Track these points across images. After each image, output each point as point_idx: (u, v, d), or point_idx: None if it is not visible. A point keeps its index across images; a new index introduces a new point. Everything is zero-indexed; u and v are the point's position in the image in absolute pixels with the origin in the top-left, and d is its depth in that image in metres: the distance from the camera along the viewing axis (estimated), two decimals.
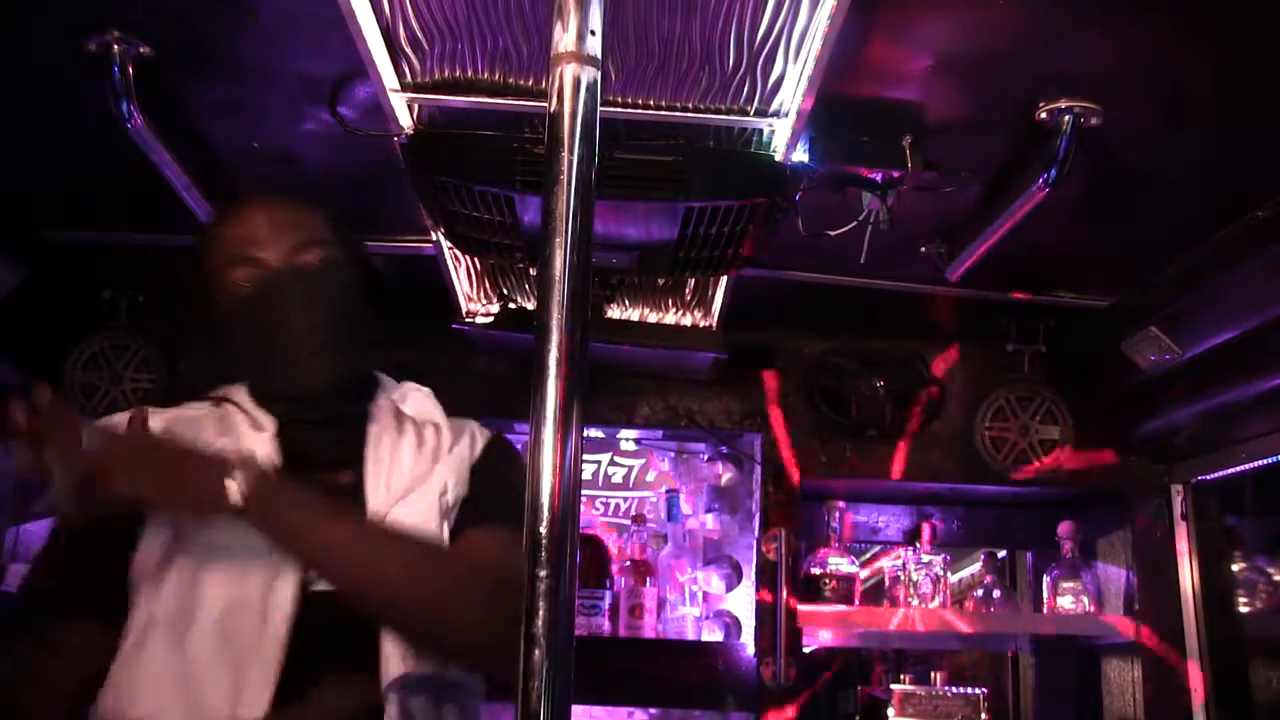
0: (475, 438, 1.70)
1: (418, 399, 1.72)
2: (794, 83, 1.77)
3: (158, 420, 1.52)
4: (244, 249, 1.57)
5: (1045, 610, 3.10)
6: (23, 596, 1.61)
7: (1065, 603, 3.05)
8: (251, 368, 1.62)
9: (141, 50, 1.73)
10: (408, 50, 1.75)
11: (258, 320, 1.56)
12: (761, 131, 1.94)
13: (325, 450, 1.59)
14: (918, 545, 3.17)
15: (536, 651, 0.97)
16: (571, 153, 1.11)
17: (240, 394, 1.64)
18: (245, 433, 1.56)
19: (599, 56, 1.14)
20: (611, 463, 3.39)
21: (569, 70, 1.13)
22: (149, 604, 1.44)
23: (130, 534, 1.48)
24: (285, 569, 1.44)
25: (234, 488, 1.37)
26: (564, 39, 1.14)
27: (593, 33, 1.15)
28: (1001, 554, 3.49)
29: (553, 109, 1.13)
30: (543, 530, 1.01)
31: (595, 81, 1.14)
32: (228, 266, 1.58)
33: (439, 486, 1.59)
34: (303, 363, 1.55)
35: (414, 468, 1.59)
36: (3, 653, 1.47)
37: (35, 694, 1.42)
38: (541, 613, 0.98)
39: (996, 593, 3.21)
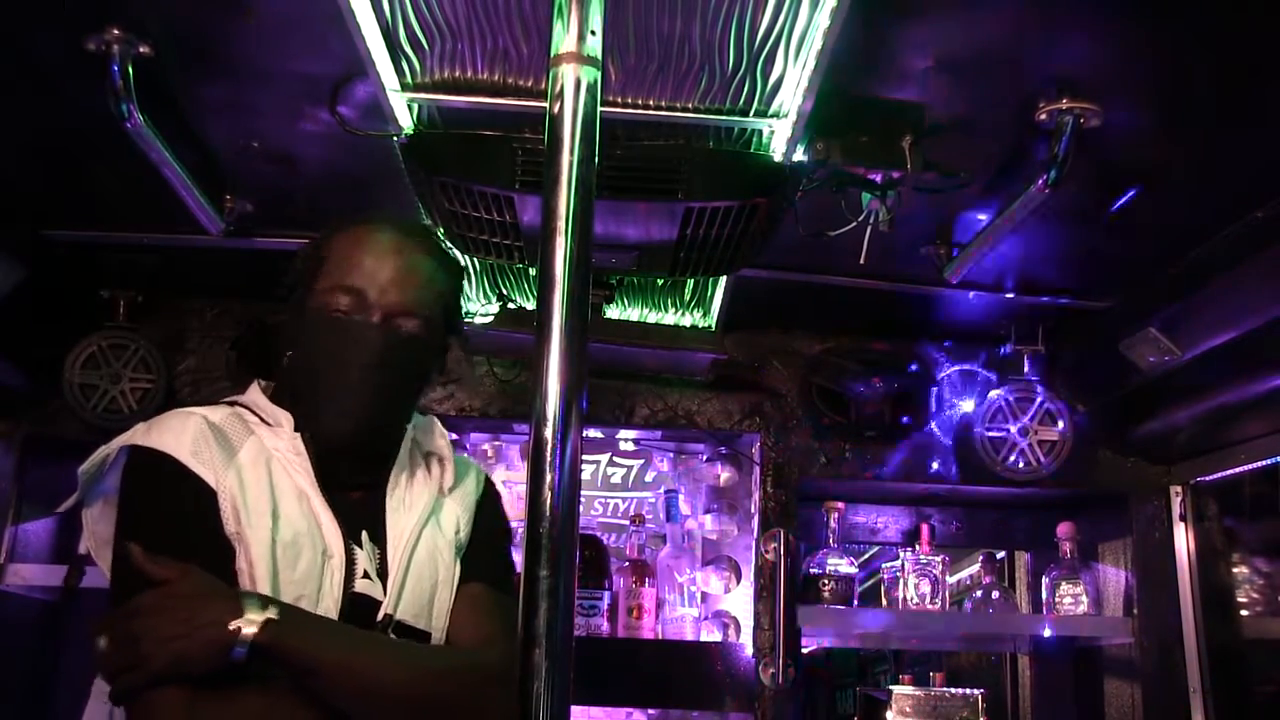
0: (477, 478, 1.73)
1: (424, 427, 1.72)
2: (794, 83, 1.77)
3: (192, 425, 1.51)
4: (358, 279, 1.55)
5: (1044, 611, 3.10)
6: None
7: (1064, 604, 3.05)
8: (300, 400, 1.59)
9: (141, 49, 1.73)
10: (408, 50, 1.75)
11: (326, 353, 1.55)
12: (761, 132, 1.94)
13: (349, 470, 1.59)
14: (916, 546, 3.17)
15: (536, 651, 0.98)
16: (571, 153, 1.12)
17: (256, 394, 1.62)
18: (265, 434, 1.55)
19: (599, 57, 1.14)
20: (611, 463, 3.39)
21: (569, 70, 1.14)
22: None
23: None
24: (333, 551, 1.49)
25: (245, 629, 1.35)
26: (564, 39, 1.14)
27: (593, 33, 1.15)
28: (1000, 555, 3.49)
29: (553, 109, 1.13)
30: (543, 530, 1.01)
31: (595, 82, 1.14)
32: (332, 285, 1.55)
33: (452, 523, 1.63)
34: (350, 421, 1.54)
35: (426, 499, 1.62)
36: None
37: None
38: (541, 612, 0.99)
39: (995, 594, 3.21)
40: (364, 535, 1.55)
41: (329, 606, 1.46)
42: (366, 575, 1.53)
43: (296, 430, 1.56)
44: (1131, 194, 2.12)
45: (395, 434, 1.63)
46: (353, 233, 1.60)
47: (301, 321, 1.58)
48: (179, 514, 1.44)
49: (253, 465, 1.50)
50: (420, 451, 1.68)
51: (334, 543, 1.49)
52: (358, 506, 1.57)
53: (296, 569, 1.46)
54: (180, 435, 1.48)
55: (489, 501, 1.73)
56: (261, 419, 1.57)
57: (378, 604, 1.51)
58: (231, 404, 1.60)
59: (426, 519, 1.61)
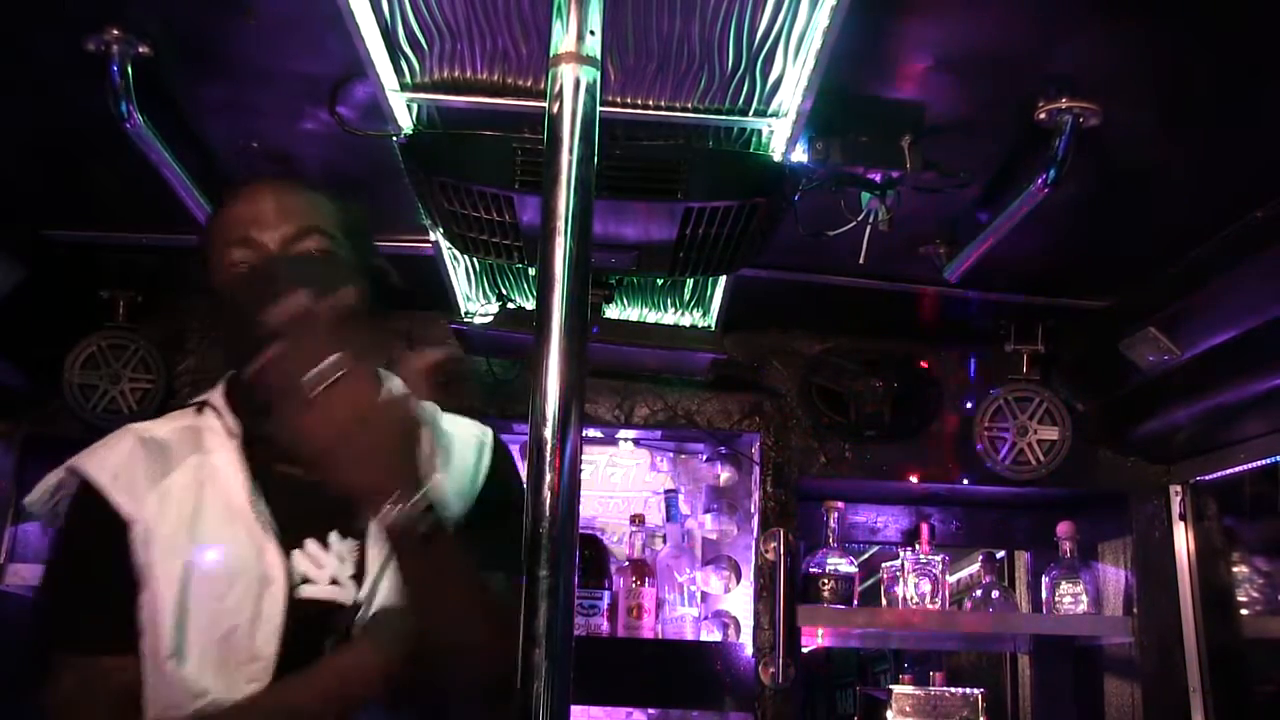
0: (483, 448, 1.63)
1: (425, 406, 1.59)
2: (793, 83, 1.77)
3: (123, 448, 1.46)
4: (244, 229, 1.48)
5: (1044, 611, 3.10)
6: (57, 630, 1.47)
7: (1064, 603, 3.05)
8: (238, 357, 1.46)
9: (140, 49, 1.73)
10: (407, 50, 1.75)
11: (246, 304, 1.42)
12: (761, 132, 1.94)
13: (317, 503, 1.43)
14: (916, 546, 3.17)
15: (536, 651, 0.98)
16: (571, 153, 1.11)
17: (218, 395, 1.56)
18: (214, 448, 1.48)
19: (598, 56, 1.14)
20: (610, 463, 3.38)
21: (568, 70, 1.13)
22: (149, 634, 1.39)
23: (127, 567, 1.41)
24: (273, 578, 1.40)
25: None
26: (563, 39, 1.14)
27: (592, 33, 1.15)
28: (1000, 554, 3.49)
29: (552, 109, 1.13)
30: (543, 530, 1.01)
31: (595, 81, 1.14)
32: (226, 246, 1.48)
33: (438, 500, 1.48)
34: None
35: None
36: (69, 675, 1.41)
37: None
38: (541, 612, 0.99)
39: (995, 593, 3.21)
40: (332, 534, 1.45)
41: (269, 634, 1.38)
42: (335, 581, 1.43)
43: (253, 430, 1.48)
44: (1130, 194, 2.13)
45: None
46: (223, 207, 1.56)
47: (212, 292, 1.51)
48: (83, 546, 1.44)
49: (183, 489, 1.43)
50: None
51: (274, 567, 1.40)
52: (326, 495, 1.44)
53: (227, 599, 1.38)
54: (105, 459, 1.45)
55: (497, 474, 1.62)
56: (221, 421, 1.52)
57: (351, 610, 1.42)
58: (202, 406, 1.55)
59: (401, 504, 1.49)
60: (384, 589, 1.44)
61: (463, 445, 1.61)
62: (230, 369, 1.56)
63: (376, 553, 1.45)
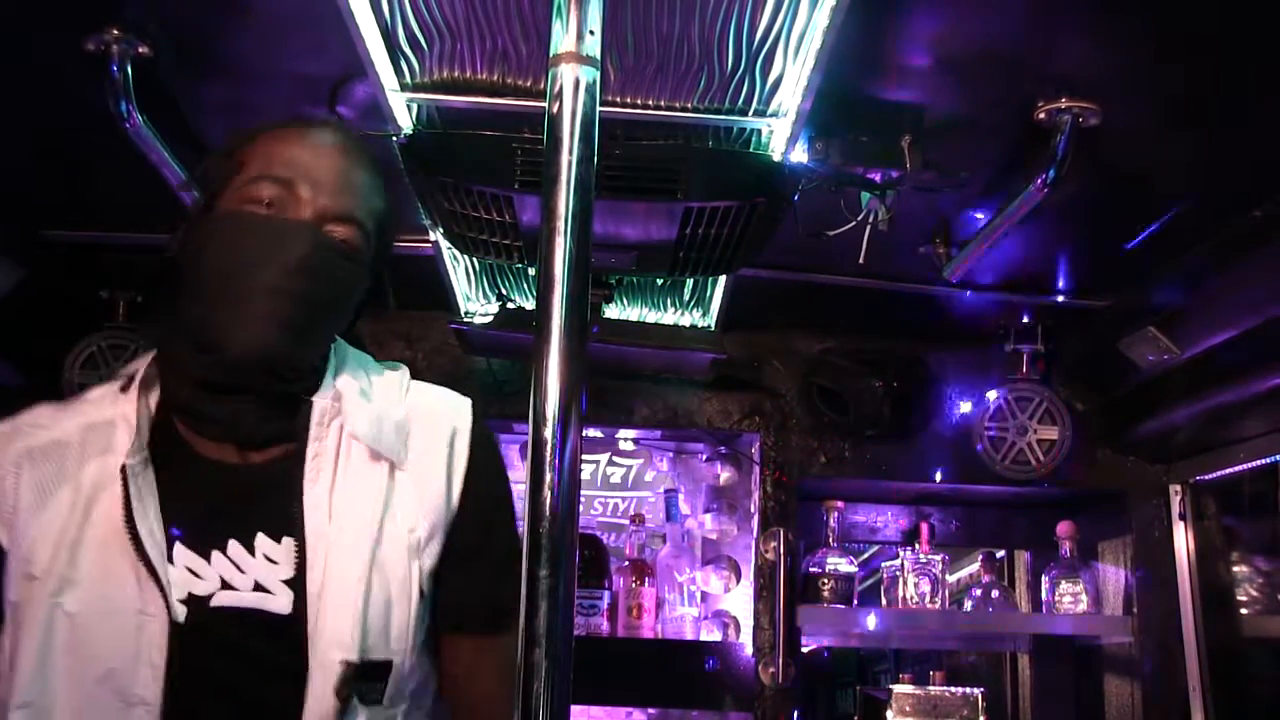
0: (456, 434, 1.39)
1: (382, 378, 1.41)
2: (793, 83, 1.77)
3: (5, 461, 1.28)
4: (290, 170, 1.30)
5: (1044, 610, 3.10)
6: None
7: (1064, 602, 3.05)
8: (196, 304, 1.29)
9: (140, 50, 1.73)
10: (407, 50, 1.75)
11: (240, 255, 1.26)
12: (760, 131, 1.94)
13: (250, 416, 1.30)
14: (916, 545, 3.17)
15: (536, 651, 0.97)
16: (570, 153, 1.11)
17: (145, 361, 1.35)
18: (120, 448, 1.27)
19: (598, 56, 1.14)
20: (610, 463, 3.39)
21: (568, 70, 1.13)
22: (5, 690, 1.20)
23: None
24: (151, 611, 1.21)
25: None
26: (563, 39, 1.14)
27: (591, 32, 1.15)
28: (1000, 554, 3.49)
29: (552, 109, 1.13)
30: (543, 530, 1.01)
31: (594, 81, 1.14)
32: (258, 176, 1.29)
33: (404, 522, 1.31)
34: (260, 331, 1.25)
35: (366, 505, 1.30)
36: None
37: None
38: (541, 612, 0.98)
39: (995, 593, 3.21)
40: (260, 535, 1.26)
41: (151, 675, 1.19)
42: (261, 588, 1.24)
43: (179, 398, 1.30)
44: (1129, 194, 2.13)
45: (306, 365, 1.33)
46: (283, 129, 1.35)
47: (205, 230, 1.29)
48: None
49: (69, 509, 1.24)
50: (356, 401, 1.33)
51: (152, 599, 1.20)
52: (262, 478, 1.30)
53: (99, 640, 1.19)
54: None
55: (479, 470, 1.38)
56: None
57: (284, 621, 1.24)
58: (130, 381, 1.33)
59: (362, 539, 1.27)
60: (337, 601, 1.24)
61: (429, 429, 1.38)
62: (170, 309, 1.35)
63: (321, 554, 1.25)
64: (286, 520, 1.27)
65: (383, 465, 1.32)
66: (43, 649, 1.19)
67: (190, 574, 1.24)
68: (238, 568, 1.25)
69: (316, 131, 1.36)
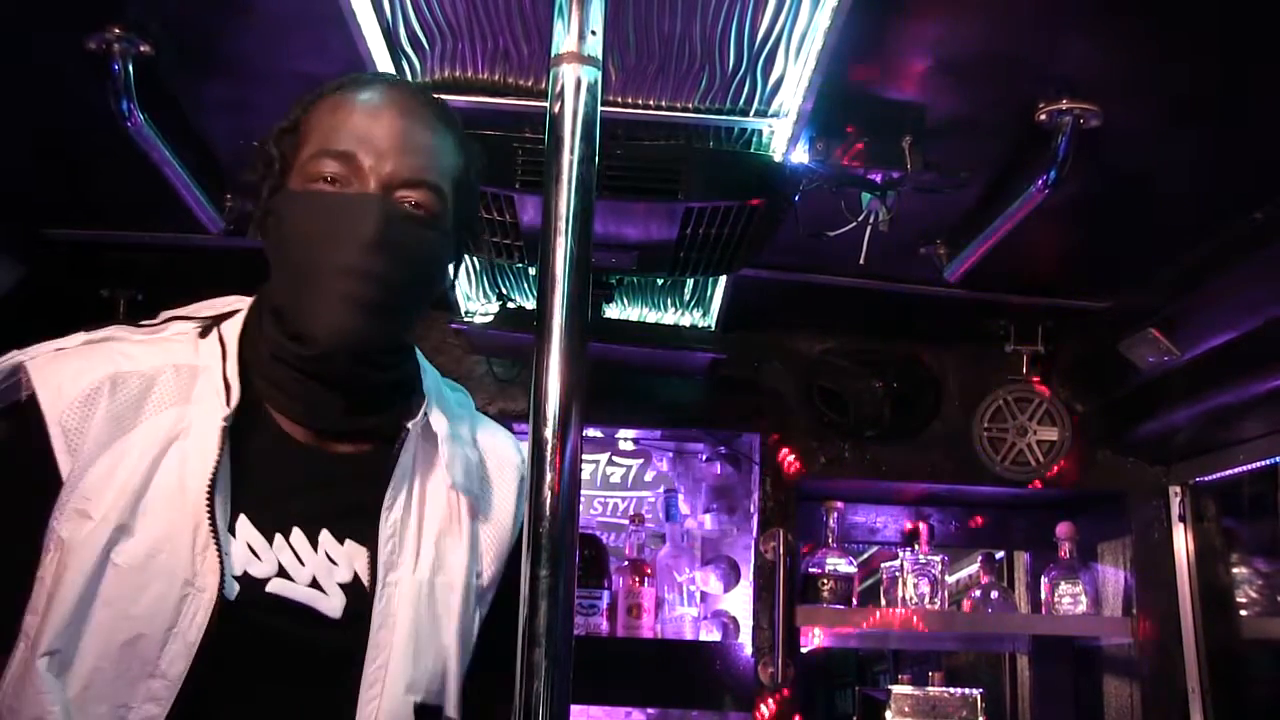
0: (524, 480, 1.35)
1: (459, 411, 1.36)
2: (794, 83, 1.77)
3: (93, 376, 1.20)
4: (351, 142, 1.23)
5: (1043, 611, 3.10)
6: None
7: (1063, 604, 3.05)
8: (279, 287, 1.26)
9: (141, 49, 1.73)
10: (408, 50, 1.75)
11: (314, 237, 1.21)
12: (761, 132, 1.94)
13: (333, 405, 1.26)
14: (915, 546, 3.18)
15: (536, 651, 0.98)
16: (572, 153, 1.11)
17: (235, 322, 1.29)
18: (202, 399, 1.21)
19: (599, 56, 1.14)
20: (610, 462, 3.39)
21: (569, 70, 1.13)
22: (35, 628, 1.12)
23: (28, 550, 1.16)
24: (203, 584, 1.14)
25: None
26: (564, 39, 1.14)
27: (593, 32, 1.15)
28: (999, 555, 3.49)
29: (553, 109, 1.13)
30: (543, 530, 1.01)
31: (596, 81, 1.14)
32: (320, 150, 1.23)
33: (470, 563, 1.28)
34: (340, 315, 1.20)
35: (443, 529, 1.27)
36: None
37: None
38: (541, 612, 0.99)
39: (994, 594, 3.21)
40: (324, 532, 1.21)
41: (179, 650, 1.12)
42: (316, 585, 1.19)
43: (267, 373, 1.25)
44: (1130, 195, 2.13)
45: (393, 346, 1.30)
46: (338, 93, 1.28)
47: (276, 212, 1.25)
48: None
49: (141, 454, 1.16)
50: (449, 453, 1.29)
51: (207, 572, 1.14)
52: (339, 471, 1.25)
53: (139, 601, 1.12)
54: (69, 386, 1.18)
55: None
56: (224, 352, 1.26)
57: (332, 625, 1.19)
58: (212, 326, 1.29)
59: (436, 566, 1.24)
60: (404, 639, 1.20)
61: (504, 476, 1.36)
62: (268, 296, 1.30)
63: (394, 582, 1.22)
64: (354, 523, 1.23)
65: (464, 508, 1.29)
66: (84, 598, 1.11)
67: (250, 551, 1.18)
68: (298, 558, 1.20)
69: (374, 92, 1.27)
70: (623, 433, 3.25)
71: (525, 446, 1.08)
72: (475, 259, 2.54)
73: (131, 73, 1.75)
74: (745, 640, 2.99)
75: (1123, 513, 3.04)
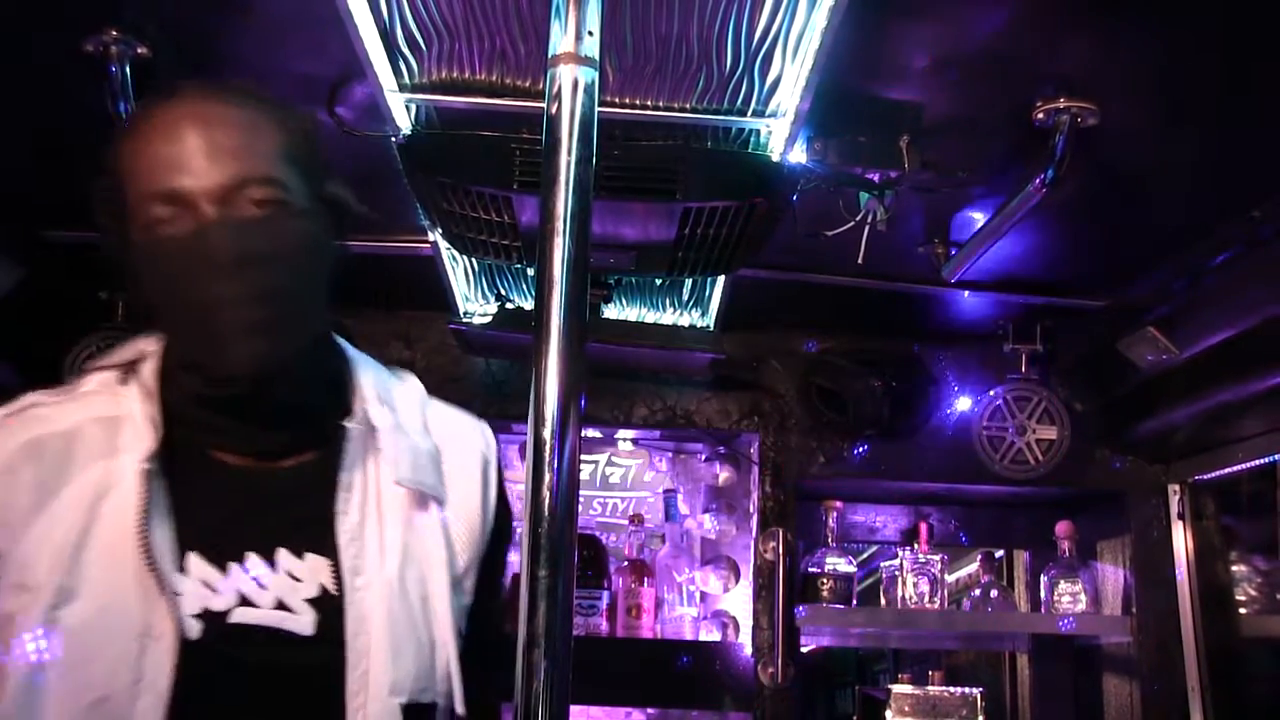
0: (488, 464, 1.35)
1: (404, 400, 1.31)
2: (791, 83, 1.77)
3: (10, 446, 1.18)
4: (167, 179, 1.15)
5: (1043, 610, 3.10)
6: None
7: (1063, 602, 3.05)
8: (169, 339, 1.24)
9: (139, 50, 1.73)
10: (405, 51, 1.75)
11: (175, 283, 1.16)
12: (759, 131, 1.94)
13: (255, 430, 1.22)
14: (915, 545, 3.18)
15: (535, 651, 0.98)
16: (569, 153, 1.12)
17: (150, 364, 1.25)
18: (128, 448, 1.17)
19: (596, 57, 1.14)
20: (609, 463, 3.39)
21: (566, 71, 1.14)
22: None
23: None
24: (159, 631, 1.10)
25: None
26: (561, 40, 1.14)
27: (590, 33, 1.15)
28: (999, 554, 3.49)
29: (550, 110, 1.13)
30: (541, 530, 1.01)
31: (593, 82, 1.14)
32: (146, 198, 1.16)
33: (447, 559, 1.25)
34: (233, 348, 1.15)
35: (406, 522, 1.23)
36: None
37: None
38: (540, 612, 0.99)
39: (994, 592, 3.21)
40: (282, 550, 1.17)
41: (152, 703, 1.08)
42: (283, 606, 1.15)
43: (188, 408, 1.20)
44: (1128, 194, 2.13)
45: (307, 351, 1.23)
46: (135, 132, 1.20)
47: (134, 268, 1.19)
48: None
49: (73, 513, 1.13)
50: (397, 447, 1.24)
51: (160, 618, 1.10)
52: (284, 487, 1.21)
53: (97, 662, 1.08)
54: None
55: (504, 502, 1.36)
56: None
57: (305, 645, 1.15)
58: (131, 370, 1.25)
59: (418, 544, 1.22)
60: (382, 641, 1.16)
61: (463, 459, 1.33)
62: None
63: (362, 587, 1.17)
64: (311, 535, 1.18)
65: (423, 499, 1.24)
66: (34, 668, 1.07)
67: (205, 588, 1.14)
68: (258, 583, 1.15)
69: (164, 114, 1.19)
70: (622, 433, 3.25)
71: (521, 447, 1.08)
72: (474, 260, 2.54)
73: (129, 74, 1.75)
74: (745, 640, 2.99)
75: (1122, 511, 3.04)
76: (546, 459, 1.03)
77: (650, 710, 3.15)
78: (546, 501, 1.02)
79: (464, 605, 1.27)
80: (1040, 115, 1.80)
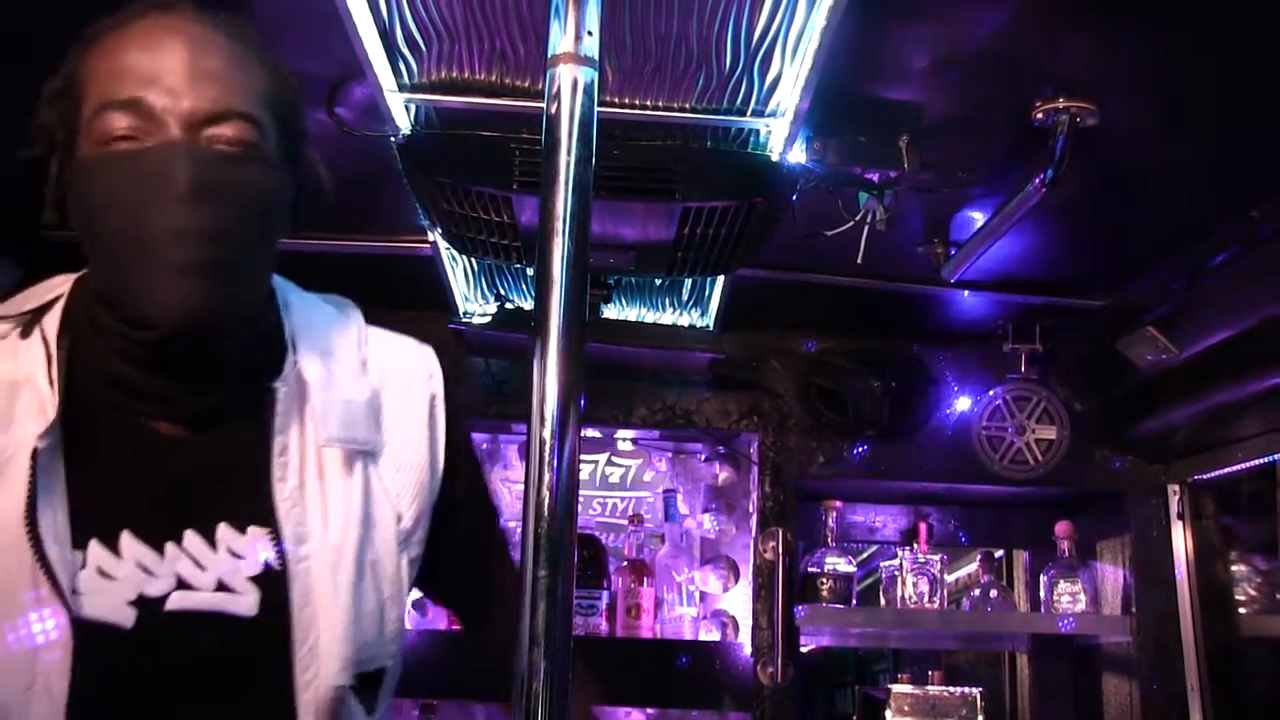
0: (434, 400, 1.25)
1: (341, 342, 1.21)
2: (791, 83, 1.78)
3: None
4: (135, 87, 1.04)
5: (1042, 610, 3.11)
6: None
7: (1062, 602, 3.06)
8: (101, 273, 1.10)
9: None
10: (405, 51, 1.75)
11: (119, 206, 1.04)
12: (758, 131, 1.94)
13: (186, 389, 1.11)
14: (915, 545, 3.18)
15: (535, 651, 0.98)
16: (569, 154, 1.12)
17: (54, 314, 1.13)
18: (25, 416, 1.05)
19: (596, 57, 1.14)
20: (609, 463, 3.39)
21: (566, 71, 1.14)
22: None
23: None
24: (49, 629, 1.00)
25: None
26: (561, 40, 1.14)
27: (590, 33, 1.15)
28: (999, 554, 3.50)
29: (550, 110, 1.13)
30: (541, 531, 1.01)
31: (592, 82, 1.14)
32: (104, 105, 1.05)
33: (390, 512, 1.17)
34: (169, 287, 1.04)
35: (349, 501, 1.13)
36: None
37: None
38: (540, 613, 0.99)
39: (994, 592, 3.22)
40: (221, 525, 1.08)
41: (45, 712, 0.98)
42: (224, 587, 1.06)
43: (110, 366, 1.09)
44: (1127, 194, 2.13)
45: (247, 307, 1.14)
46: (110, 34, 1.09)
47: (77, 188, 1.08)
48: None
49: None
50: (332, 403, 1.15)
51: (52, 613, 0.99)
52: (219, 458, 1.11)
53: None
54: None
55: (459, 437, 1.26)
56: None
57: (248, 625, 1.07)
58: (34, 320, 1.12)
59: (357, 503, 1.13)
60: (330, 614, 1.08)
61: (404, 400, 1.22)
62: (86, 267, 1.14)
63: (303, 558, 1.09)
64: (251, 508, 1.09)
65: (359, 455, 1.15)
66: None
67: (141, 570, 1.05)
68: (197, 563, 1.07)
69: (149, 22, 1.08)
70: (622, 433, 3.26)
71: (521, 446, 1.08)
72: (473, 259, 2.55)
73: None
74: (744, 640, 2.99)
75: (1121, 511, 3.04)
76: (546, 459, 1.03)
77: (650, 710, 3.15)
78: (546, 501, 1.02)
79: (414, 558, 1.19)
80: (1039, 115, 1.80)
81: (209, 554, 1.07)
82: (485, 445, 3.28)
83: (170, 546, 1.06)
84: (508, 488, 3.24)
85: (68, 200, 1.10)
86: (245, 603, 1.07)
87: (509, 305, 2.72)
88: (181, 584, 1.06)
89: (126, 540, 1.05)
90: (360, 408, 1.17)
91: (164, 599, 1.05)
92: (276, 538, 1.09)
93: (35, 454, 1.02)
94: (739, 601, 3.14)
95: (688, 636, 3.12)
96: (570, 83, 1.13)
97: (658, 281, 2.70)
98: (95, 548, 1.04)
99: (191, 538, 1.07)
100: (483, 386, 2.97)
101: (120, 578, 1.04)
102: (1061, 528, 3.11)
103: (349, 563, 1.11)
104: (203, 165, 1.04)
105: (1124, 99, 1.80)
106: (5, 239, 2.45)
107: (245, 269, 1.10)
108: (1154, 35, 1.65)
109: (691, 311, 2.87)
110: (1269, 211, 2.08)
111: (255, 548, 1.08)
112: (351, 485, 1.13)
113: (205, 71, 1.06)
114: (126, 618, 1.03)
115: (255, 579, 1.08)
